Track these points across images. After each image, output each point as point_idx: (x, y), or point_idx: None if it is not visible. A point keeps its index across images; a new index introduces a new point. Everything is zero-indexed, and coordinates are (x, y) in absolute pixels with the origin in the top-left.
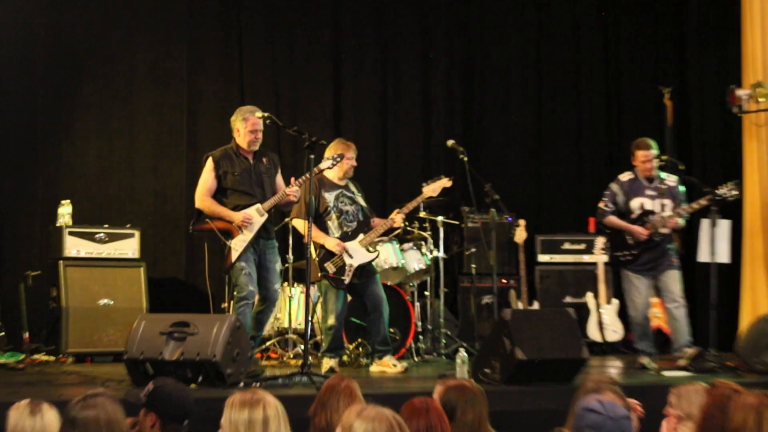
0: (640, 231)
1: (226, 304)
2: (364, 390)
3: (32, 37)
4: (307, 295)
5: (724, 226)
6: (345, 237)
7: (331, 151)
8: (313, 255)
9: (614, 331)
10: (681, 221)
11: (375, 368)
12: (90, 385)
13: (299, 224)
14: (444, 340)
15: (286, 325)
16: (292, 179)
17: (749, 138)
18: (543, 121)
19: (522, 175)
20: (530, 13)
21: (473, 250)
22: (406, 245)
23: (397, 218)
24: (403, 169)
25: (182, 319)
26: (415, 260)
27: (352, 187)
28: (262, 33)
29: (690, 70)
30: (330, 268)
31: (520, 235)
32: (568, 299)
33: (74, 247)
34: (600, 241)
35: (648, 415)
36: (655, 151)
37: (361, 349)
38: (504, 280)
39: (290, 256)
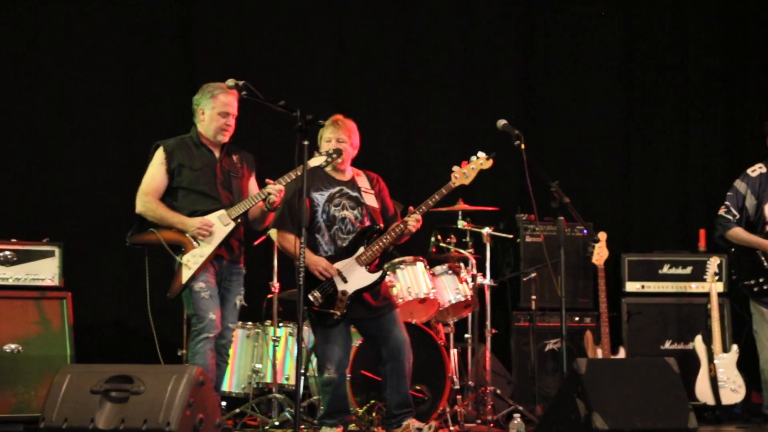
0: None
1: (183, 351)
2: None
3: None
4: (299, 338)
5: None
6: (338, 254)
7: (326, 135)
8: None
9: (734, 390)
10: None
11: None
12: None
13: (276, 235)
14: (492, 402)
15: (268, 380)
16: (269, 181)
17: None
18: (633, 97)
19: (603, 170)
20: None
21: (533, 275)
22: (438, 268)
23: (411, 220)
24: (433, 157)
25: (123, 372)
26: (451, 289)
27: (363, 182)
28: None
29: None
30: (316, 300)
31: (600, 254)
32: (669, 345)
33: None
34: (714, 263)
35: None
36: None
37: (374, 414)
38: (577, 318)
39: (275, 283)
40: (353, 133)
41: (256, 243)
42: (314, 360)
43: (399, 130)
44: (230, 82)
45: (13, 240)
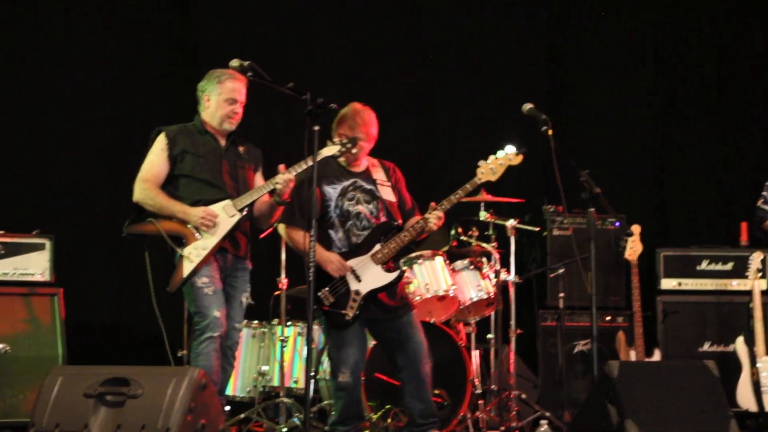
0: None
1: (183, 352)
2: None
3: None
4: (309, 338)
5: None
6: (352, 250)
7: (341, 130)
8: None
9: None
10: None
11: None
12: None
13: (286, 231)
14: (517, 408)
15: (275, 383)
16: (281, 166)
17: None
18: (670, 84)
19: (637, 158)
20: None
21: (561, 271)
22: (459, 263)
23: (432, 217)
24: (454, 148)
25: (119, 375)
26: (472, 286)
27: (379, 173)
28: None
29: None
30: (326, 297)
31: (634, 248)
32: (707, 347)
33: None
34: (758, 258)
35: None
36: None
37: (390, 420)
38: (608, 318)
39: (283, 279)
40: (371, 125)
41: (261, 236)
42: (325, 362)
43: (415, 114)
44: (234, 62)
45: (1, 232)
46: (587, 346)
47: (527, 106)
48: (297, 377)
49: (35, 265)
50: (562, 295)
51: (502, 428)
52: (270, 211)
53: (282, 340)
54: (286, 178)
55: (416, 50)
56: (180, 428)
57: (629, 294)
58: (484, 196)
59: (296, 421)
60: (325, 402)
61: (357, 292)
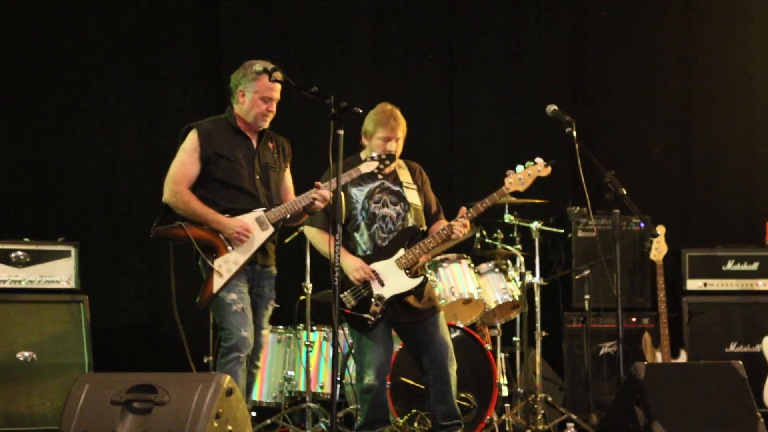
0: None
1: (209, 358)
2: None
3: None
4: (335, 343)
5: None
6: (376, 254)
7: (365, 123)
8: None
9: None
10: None
11: None
12: None
13: (312, 234)
14: (543, 411)
15: (301, 388)
16: (317, 183)
17: None
18: (694, 83)
19: (662, 159)
20: None
21: (587, 272)
22: (484, 266)
23: (457, 225)
24: (479, 149)
25: (145, 381)
26: (497, 289)
27: (405, 175)
28: None
29: None
30: (348, 300)
31: (659, 249)
32: (734, 347)
33: None
34: None
35: None
36: None
37: (416, 424)
38: (634, 319)
39: (308, 284)
40: (402, 121)
41: (287, 240)
42: (351, 366)
43: (440, 117)
44: (258, 66)
45: (26, 239)
46: (613, 347)
47: (551, 108)
48: (323, 382)
49: (61, 272)
50: (587, 296)
51: (529, 431)
52: (298, 216)
53: (307, 345)
54: (323, 194)
55: (444, 51)
56: None
57: (654, 295)
58: (509, 198)
59: (322, 426)
60: (351, 407)
61: (380, 297)
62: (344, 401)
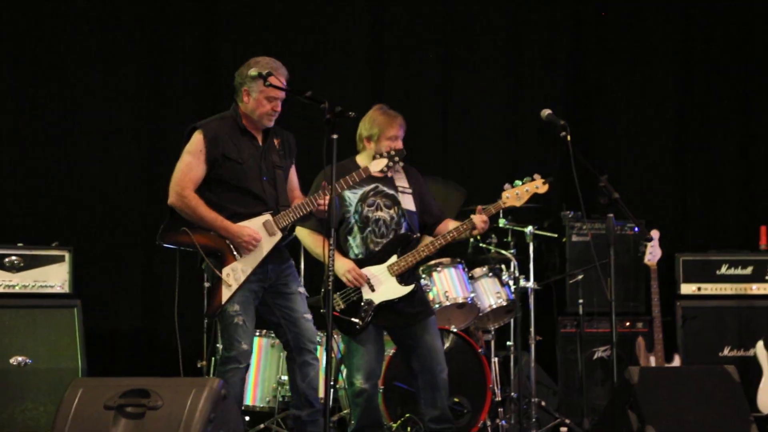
0: None
1: (203, 363)
2: None
3: None
4: (328, 348)
5: None
6: (368, 258)
7: (366, 127)
8: None
9: None
10: None
11: None
12: None
13: (303, 235)
14: (536, 415)
15: None
16: (324, 184)
17: None
18: (691, 88)
19: (656, 164)
20: None
21: (580, 277)
22: (478, 270)
23: (479, 221)
24: (473, 154)
25: (139, 386)
26: (491, 293)
27: (401, 179)
28: None
29: None
30: (337, 303)
31: (653, 253)
32: (727, 352)
33: None
34: None
35: None
36: None
37: (408, 428)
38: (628, 323)
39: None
40: (399, 126)
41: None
42: (344, 371)
43: (436, 120)
44: (253, 71)
45: (20, 244)
46: (607, 352)
47: (545, 112)
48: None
49: (55, 277)
50: (581, 301)
51: None
52: (306, 218)
53: None
54: (327, 201)
55: (441, 54)
56: None
57: (648, 299)
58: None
59: None
60: (345, 411)
61: (369, 302)
62: (337, 406)
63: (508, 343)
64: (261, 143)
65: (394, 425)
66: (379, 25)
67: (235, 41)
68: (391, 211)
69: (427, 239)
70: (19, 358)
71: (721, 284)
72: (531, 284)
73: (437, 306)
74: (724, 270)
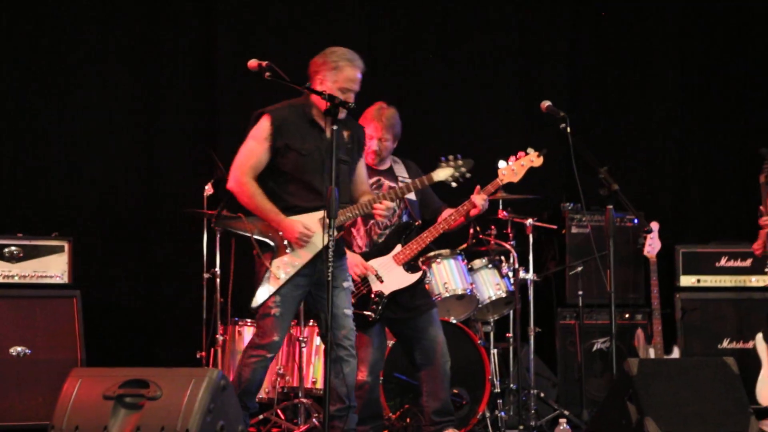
0: None
1: (202, 354)
2: None
3: None
4: (329, 339)
5: None
6: (372, 251)
7: (367, 131)
8: None
9: None
10: None
11: None
12: None
13: None
14: (535, 407)
15: (294, 384)
16: (385, 186)
17: None
18: (691, 80)
19: (656, 155)
20: None
21: (580, 269)
22: (477, 262)
23: (479, 199)
24: (473, 142)
25: (138, 376)
26: (490, 285)
27: (401, 171)
28: None
29: None
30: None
31: (653, 245)
32: (727, 344)
33: None
34: None
35: None
36: None
37: (409, 419)
38: (627, 315)
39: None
40: (395, 125)
41: None
42: None
43: (435, 111)
44: (253, 62)
45: (19, 234)
46: (606, 343)
47: (546, 104)
48: (316, 378)
49: (54, 267)
50: (580, 293)
51: (521, 427)
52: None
53: (300, 341)
54: (389, 206)
55: (441, 48)
56: (199, 429)
57: (648, 291)
58: (502, 194)
59: (315, 421)
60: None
61: (379, 294)
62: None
63: (507, 334)
64: (329, 135)
65: (394, 416)
66: (376, 23)
67: (232, 39)
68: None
69: (445, 215)
70: (18, 349)
71: (720, 276)
72: (530, 276)
73: (437, 297)
74: (723, 262)
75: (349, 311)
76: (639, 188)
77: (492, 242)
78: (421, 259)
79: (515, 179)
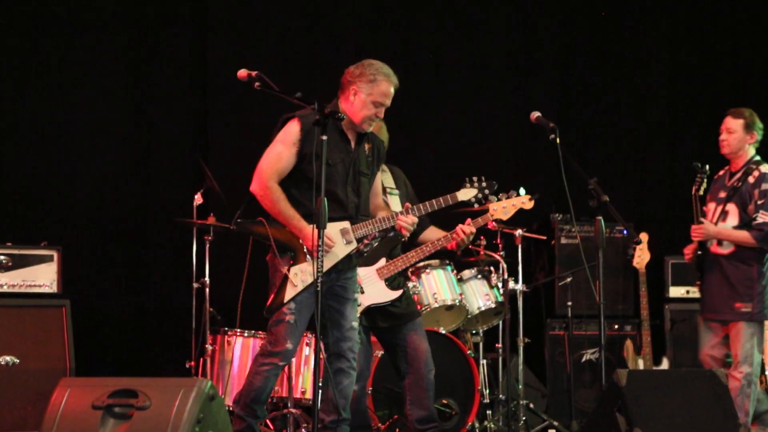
0: None
1: (192, 363)
2: None
3: None
4: (317, 348)
5: None
6: (357, 260)
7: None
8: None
9: None
10: None
11: None
12: None
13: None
14: (525, 417)
15: (284, 394)
16: (407, 205)
17: None
18: (680, 91)
19: (645, 167)
20: None
21: (569, 279)
22: (467, 272)
23: (466, 229)
24: (467, 156)
25: (127, 386)
26: (480, 295)
27: (388, 181)
28: None
29: None
30: None
31: (642, 256)
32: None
33: None
34: None
35: None
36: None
37: (398, 430)
38: (617, 326)
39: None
40: (386, 139)
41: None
42: None
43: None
44: (242, 72)
45: (8, 243)
46: (595, 354)
47: (535, 115)
48: (305, 388)
49: (43, 276)
50: (570, 303)
51: None
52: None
53: None
54: (410, 221)
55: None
56: None
57: (637, 302)
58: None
59: (304, 431)
60: None
61: (358, 305)
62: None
63: (496, 345)
64: (353, 146)
65: (382, 426)
66: (369, 26)
67: (223, 48)
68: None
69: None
70: (7, 358)
71: None
72: (520, 286)
73: (426, 308)
74: None
75: (356, 324)
76: (628, 199)
77: (481, 253)
78: (410, 269)
79: (504, 217)
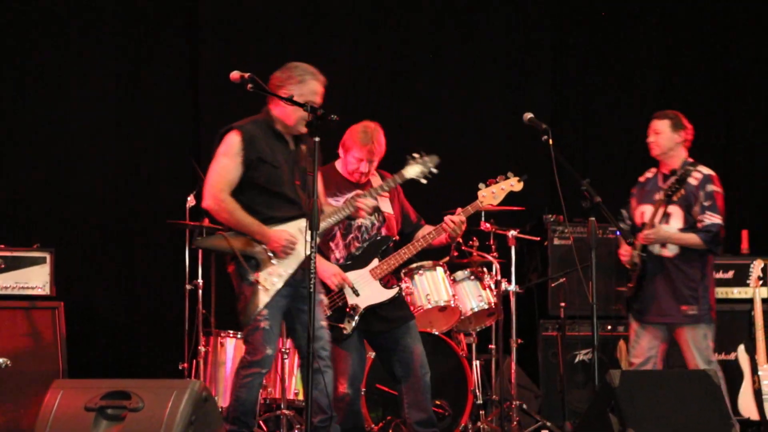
0: None
1: (185, 365)
2: None
3: None
4: (310, 351)
5: None
6: (349, 263)
7: (348, 142)
8: None
9: None
10: None
11: None
12: None
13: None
14: (518, 418)
15: (277, 395)
16: (358, 192)
17: None
18: (672, 92)
19: (638, 168)
20: None
21: (562, 280)
22: (460, 274)
23: (456, 219)
24: (460, 157)
25: (120, 388)
26: (473, 296)
27: (378, 183)
28: None
29: None
30: (322, 310)
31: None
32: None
33: None
34: (758, 266)
35: None
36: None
37: (391, 431)
38: (609, 327)
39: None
40: (381, 143)
41: None
42: None
43: (416, 124)
44: (235, 74)
45: (1, 246)
46: (588, 355)
47: (528, 116)
48: (298, 389)
49: (36, 278)
50: (563, 304)
51: None
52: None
53: (284, 352)
54: (369, 203)
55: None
56: None
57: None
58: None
59: None
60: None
61: (354, 308)
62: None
63: (489, 346)
64: (293, 147)
65: (376, 428)
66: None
67: (215, 50)
68: (372, 217)
69: (424, 232)
70: (0, 360)
71: None
72: (513, 287)
73: (419, 309)
74: None
75: (324, 322)
76: (620, 200)
77: (474, 254)
78: (403, 271)
79: (494, 203)
